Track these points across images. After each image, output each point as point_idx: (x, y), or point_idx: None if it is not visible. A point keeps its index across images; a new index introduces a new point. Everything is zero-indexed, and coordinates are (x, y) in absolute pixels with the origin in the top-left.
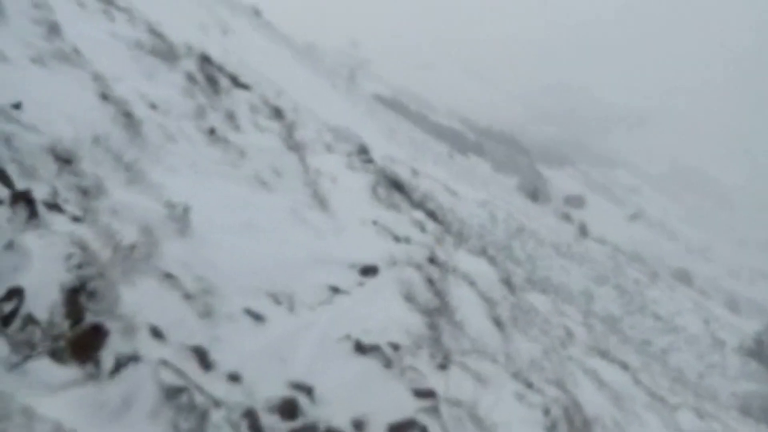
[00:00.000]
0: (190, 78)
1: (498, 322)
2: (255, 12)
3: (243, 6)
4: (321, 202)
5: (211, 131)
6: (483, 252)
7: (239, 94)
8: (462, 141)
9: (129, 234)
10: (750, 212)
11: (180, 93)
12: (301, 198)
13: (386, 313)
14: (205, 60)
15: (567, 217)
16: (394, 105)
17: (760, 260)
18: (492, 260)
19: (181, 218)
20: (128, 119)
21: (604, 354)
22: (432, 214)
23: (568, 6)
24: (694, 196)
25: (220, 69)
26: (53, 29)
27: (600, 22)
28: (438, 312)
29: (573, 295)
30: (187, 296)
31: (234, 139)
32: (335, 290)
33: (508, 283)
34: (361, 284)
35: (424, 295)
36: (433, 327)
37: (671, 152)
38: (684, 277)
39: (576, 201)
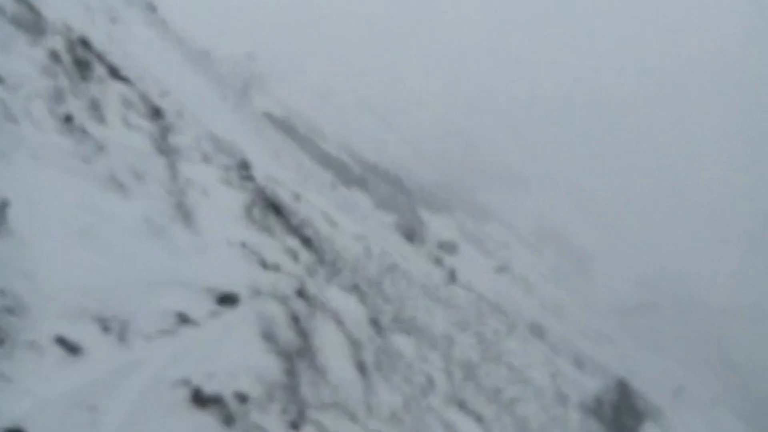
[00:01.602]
0: (55, 57)
1: (362, 368)
2: (150, 6)
3: None
4: (185, 215)
5: (67, 118)
6: (355, 287)
7: (114, 85)
8: (348, 173)
9: None
10: (604, 280)
11: (38, 71)
12: (161, 207)
13: (239, 353)
14: (82, 43)
15: (439, 261)
16: (284, 125)
17: (606, 324)
18: (363, 297)
19: None
20: None
21: (461, 404)
22: (308, 242)
23: (479, 56)
24: (555, 255)
25: (100, 57)
26: None
27: (499, 77)
28: (299, 354)
29: (435, 338)
30: None
31: (94, 132)
32: (183, 319)
33: (376, 323)
34: (215, 315)
35: (286, 333)
36: (290, 373)
37: (539, 212)
38: (538, 332)
39: (449, 247)
